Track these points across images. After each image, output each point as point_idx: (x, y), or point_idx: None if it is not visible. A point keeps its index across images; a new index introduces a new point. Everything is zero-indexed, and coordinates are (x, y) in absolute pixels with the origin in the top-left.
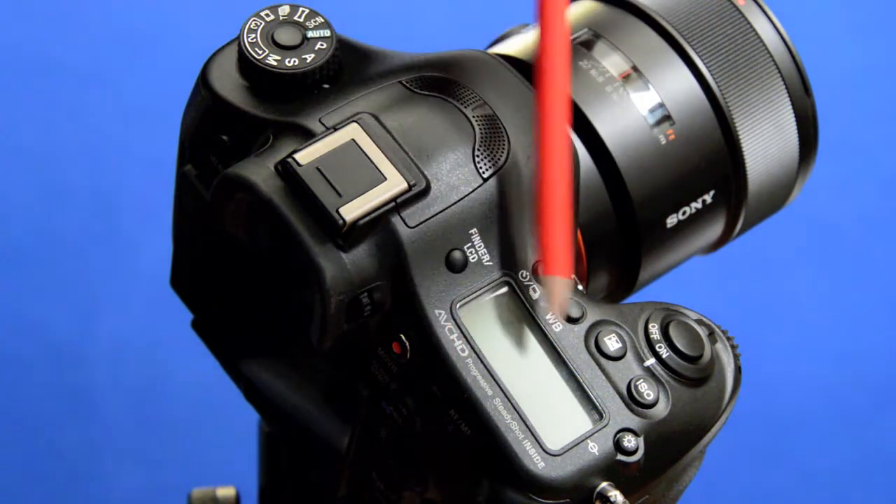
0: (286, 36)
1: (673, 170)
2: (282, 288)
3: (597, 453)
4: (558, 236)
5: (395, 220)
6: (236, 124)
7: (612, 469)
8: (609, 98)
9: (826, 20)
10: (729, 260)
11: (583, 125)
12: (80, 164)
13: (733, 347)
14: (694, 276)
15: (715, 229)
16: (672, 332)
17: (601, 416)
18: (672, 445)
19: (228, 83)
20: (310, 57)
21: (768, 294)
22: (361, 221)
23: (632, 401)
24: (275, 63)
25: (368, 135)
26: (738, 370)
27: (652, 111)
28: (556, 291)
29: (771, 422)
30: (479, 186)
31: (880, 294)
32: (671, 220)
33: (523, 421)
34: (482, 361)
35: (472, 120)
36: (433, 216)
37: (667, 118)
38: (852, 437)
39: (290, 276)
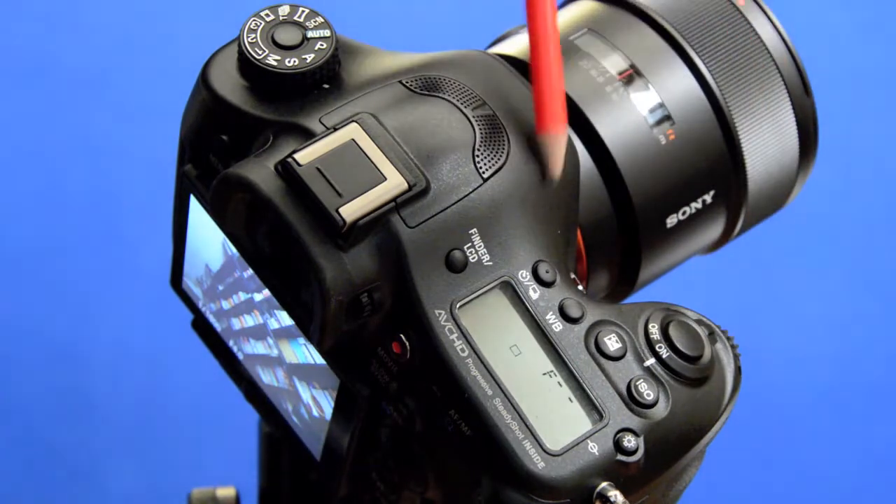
0: (286, 36)
1: (673, 170)
2: (282, 288)
3: (597, 453)
4: (551, 92)
5: (395, 220)
6: (236, 124)
7: (612, 469)
8: (609, 98)
9: (826, 20)
10: (729, 260)
11: (583, 125)
12: (80, 164)
13: (733, 347)
14: (694, 276)
15: (715, 229)
16: (672, 332)
17: (601, 416)
18: (672, 445)
19: (228, 83)
20: (310, 57)
21: (768, 294)
22: (361, 221)
23: (632, 401)
24: (275, 63)
25: (368, 135)
26: (738, 370)
27: (652, 111)
28: (554, 150)
29: (771, 422)
30: (479, 186)
31: (880, 294)
32: (671, 220)
33: (523, 421)
34: (482, 361)
35: (472, 120)
36: (433, 216)
37: (667, 118)
38: (852, 437)
39: (290, 276)
